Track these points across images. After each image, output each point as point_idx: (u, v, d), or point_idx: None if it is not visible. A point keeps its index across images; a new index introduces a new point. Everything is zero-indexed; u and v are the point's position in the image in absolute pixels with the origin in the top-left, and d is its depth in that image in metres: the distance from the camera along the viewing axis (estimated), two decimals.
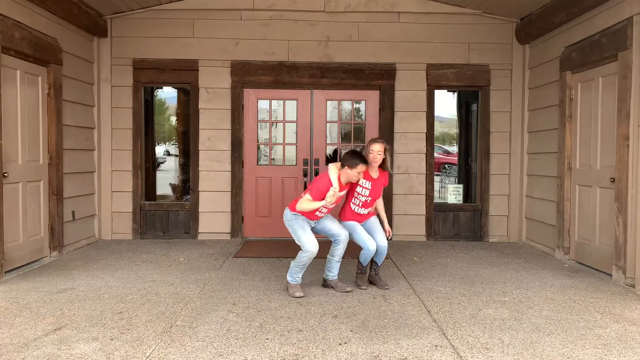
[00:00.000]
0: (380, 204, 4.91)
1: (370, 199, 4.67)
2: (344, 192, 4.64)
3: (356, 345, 3.40)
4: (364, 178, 4.61)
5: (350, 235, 4.64)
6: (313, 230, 4.63)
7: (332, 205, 4.49)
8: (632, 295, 4.62)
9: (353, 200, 4.68)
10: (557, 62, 6.26)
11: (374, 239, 4.64)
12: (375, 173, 4.70)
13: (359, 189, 4.63)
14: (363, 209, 4.70)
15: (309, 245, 4.46)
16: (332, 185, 4.40)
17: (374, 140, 4.70)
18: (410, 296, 4.56)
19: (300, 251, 4.53)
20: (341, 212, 4.81)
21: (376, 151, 4.61)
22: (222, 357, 3.22)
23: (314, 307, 4.22)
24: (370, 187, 4.63)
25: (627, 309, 4.23)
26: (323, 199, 4.37)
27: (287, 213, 4.58)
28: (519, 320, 3.92)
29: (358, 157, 4.49)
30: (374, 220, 4.82)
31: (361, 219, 4.75)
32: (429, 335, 3.60)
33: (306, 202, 4.40)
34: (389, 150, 4.73)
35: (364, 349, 3.34)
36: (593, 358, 3.24)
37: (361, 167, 4.45)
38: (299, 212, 4.48)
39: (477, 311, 4.14)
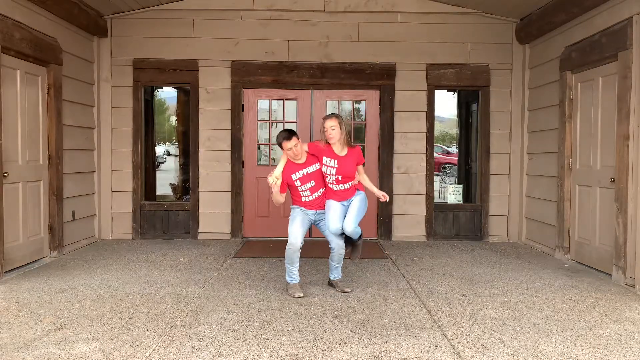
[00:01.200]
0: (365, 180, 4.73)
1: (340, 176, 4.49)
2: (303, 172, 4.53)
3: (356, 345, 3.40)
4: (329, 156, 4.49)
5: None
6: (317, 227, 4.70)
7: (309, 196, 4.54)
8: (632, 295, 4.62)
9: (326, 179, 4.57)
10: (557, 62, 6.26)
11: (340, 221, 4.50)
12: (341, 150, 4.52)
13: (324, 169, 4.51)
14: (338, 185, 4.54)
15: (291, 236, 4.51)
16: (277, 172, 4.48)
17: (325, 117, 4.54)
18: (410, 296, 4.56)
19: (287, 244, 4.57)
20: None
21: (329, 127, 4.44)
22: (222, 357, 3.22)
23: (314, 307, 4.22)
24: (336, 165, 4.48)
25: (627, 309, 4.23)
26: (284, 187, 4.55)
27: None
28: (519, 320, 3.92)
29: (282, 134, 4.49)
30: (355, 202, 4.58)
31: (342, 195, 4.57)
32: (429, 335, 3.60)
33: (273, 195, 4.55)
34: (344, 123, 4.56)
35: (364, 349, 3.34)
36: (593, 358, 3.24)
37: (286, 143, 4.42)
38: (294, 204, 4.66)
39: (477, 311, 4.14)
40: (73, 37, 6.43)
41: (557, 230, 6.23)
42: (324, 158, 4.51)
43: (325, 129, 4.48)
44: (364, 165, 4.77)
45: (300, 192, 4.56)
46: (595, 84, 5.60)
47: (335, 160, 4.49)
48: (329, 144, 4.53)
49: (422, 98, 7.32)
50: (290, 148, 4.44)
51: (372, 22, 7.26)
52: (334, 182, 4.55)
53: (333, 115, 4.59)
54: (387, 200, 4.70)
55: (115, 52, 7.17)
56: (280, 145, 4.49)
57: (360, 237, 4.66)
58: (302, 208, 4.61)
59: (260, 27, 7.23)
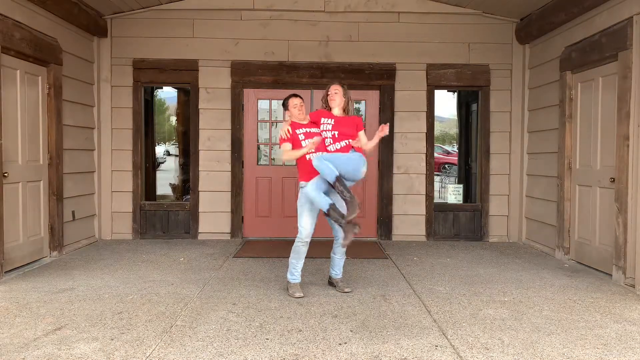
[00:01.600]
0: (367, 143, 4.66)
1: (336, 132, 4.56)
2: (306, 130, 4.66)
3: (356, 345, 3.41)
4: (327, 117, 4.65)
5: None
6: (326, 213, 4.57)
7: (314, 152, 4.53)
8: (632, 295, 4.62)
9: (325, 141, 4.63)
10: (557, 62, 6.26)
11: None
12: (340, 114, 4.70)
13: (322, 127, 4.64)
14: (334, 144, 4.57)
15: (303, 230, 4.52)
16: (284, 129, 4.68)
17: (331, 84, 4.81)
18: (410, 296, 4.56)
19: (296, 238, 4.57)
20: None
21: (333, 91, 4.70)
22: (222, 357, 3.22)
23: (314, 307, 4.22)
24: (332, 122, 4.61)
25: (627, 309, 4.23)
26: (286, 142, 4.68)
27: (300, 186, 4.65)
28: (519, 320, 3.92)
29: (289, 95, 4.85)
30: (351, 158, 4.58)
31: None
32: (429, 335, 3.60)
33: (282, 153, 4.73)
34: (348, 92, 4.75)
35: (364, 349, 3.34)
36: (593, 358, 3.24)
37: (294, 100, 4.75)
38: (309, 178, 4.53)
39: (477, 311, 4.14)
40: (73, 37, 6.43)
41: (557, 230, 6.23)
42: (322, 119, 4.67)
43: (329, 93, 4.73)
44: (365, 133, 4.78)
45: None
46: (595, 84, 5.60)
47: (332, 119, 4.64)
48: (330, 109, 4.72)
49: (422, 98, 7.32)
50: (296, 105, 4.71)
51: (372, 22, 7.26)
52: (331, 141, 4.60)
53: (337, 82, 4.87)
54: (387, 132, 4.54)
55: (115, 52, 7.17)
56: (286, 104, 4.78)
57: (338, 180, 4.33)
58: (311, 181, 4.49)
59: (260, 27, 7.23)
